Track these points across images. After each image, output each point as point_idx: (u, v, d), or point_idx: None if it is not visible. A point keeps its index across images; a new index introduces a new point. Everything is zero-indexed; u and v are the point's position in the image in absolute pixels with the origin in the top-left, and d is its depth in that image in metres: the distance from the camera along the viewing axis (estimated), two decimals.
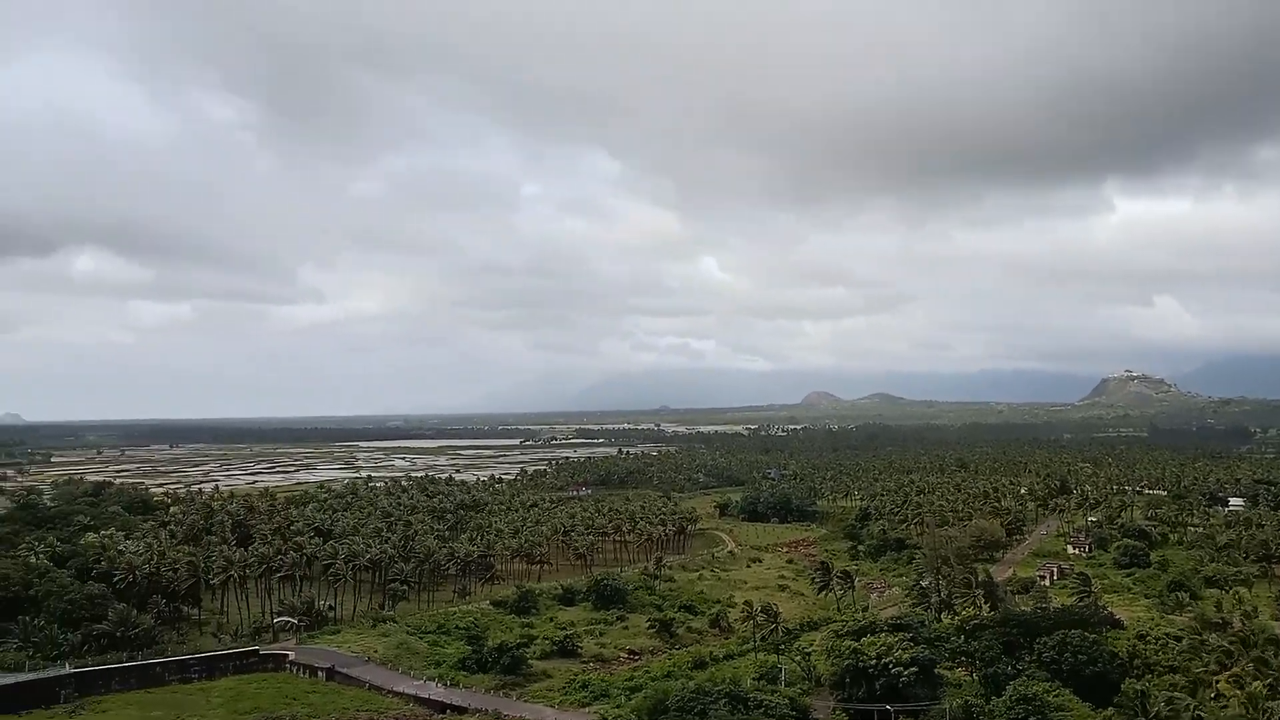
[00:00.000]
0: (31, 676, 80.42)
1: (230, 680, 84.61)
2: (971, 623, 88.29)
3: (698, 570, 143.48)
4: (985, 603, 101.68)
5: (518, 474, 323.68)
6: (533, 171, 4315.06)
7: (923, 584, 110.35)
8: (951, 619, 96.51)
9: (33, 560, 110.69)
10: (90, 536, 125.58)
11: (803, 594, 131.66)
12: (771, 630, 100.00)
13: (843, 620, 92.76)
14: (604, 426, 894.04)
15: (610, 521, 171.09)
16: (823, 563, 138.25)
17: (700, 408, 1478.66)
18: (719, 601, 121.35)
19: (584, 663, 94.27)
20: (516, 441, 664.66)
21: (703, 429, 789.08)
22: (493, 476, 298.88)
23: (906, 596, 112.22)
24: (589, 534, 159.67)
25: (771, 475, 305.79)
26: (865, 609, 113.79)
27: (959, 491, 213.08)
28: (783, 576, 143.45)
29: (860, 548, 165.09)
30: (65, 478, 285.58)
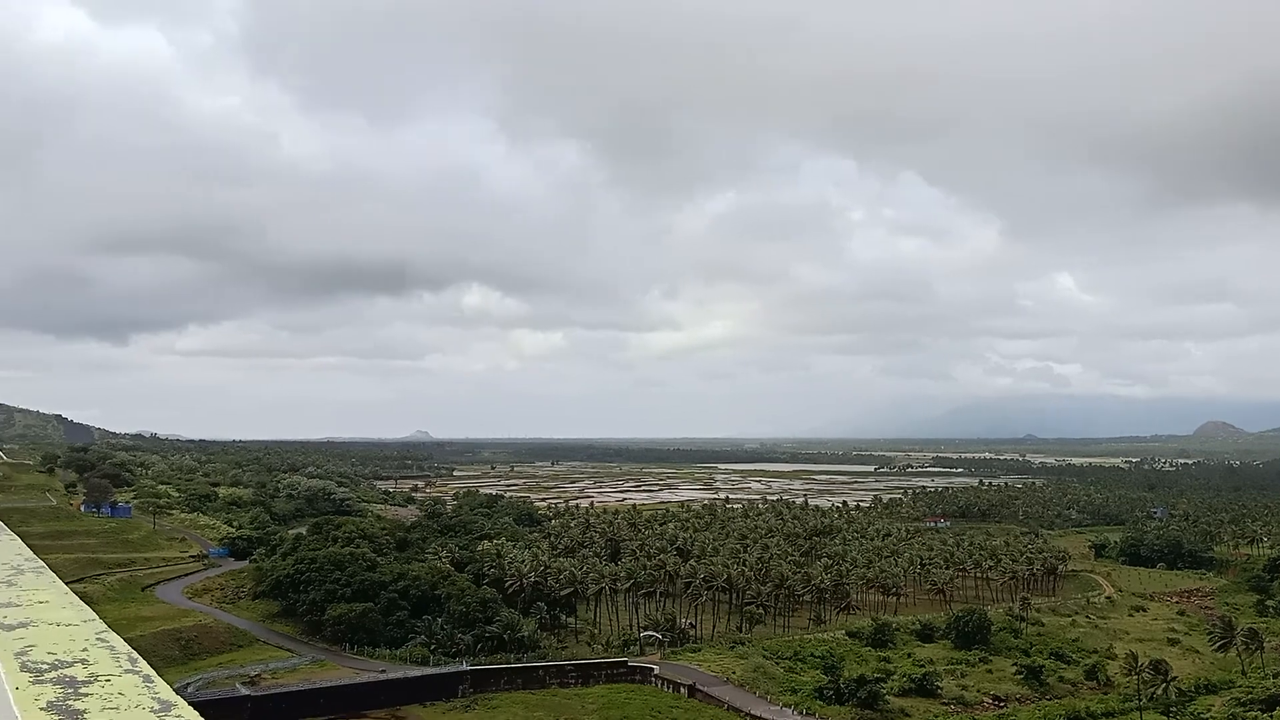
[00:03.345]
0: (436, 671, 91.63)
1: (602, 688, 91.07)
2: None
3: (1070, 615, 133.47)
4: None
5: (872, 501, 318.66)
6: (857, 197, 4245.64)
7: None
8: None
9: (438, 564, 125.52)
10: (485, 544, 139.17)
11: (1197, 651, 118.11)
12: (1161, 689, 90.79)
13: (1248, 686, 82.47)
14: (962, 455, 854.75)
15: (970, 556, 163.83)
16: (1223, 617, 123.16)
17: (1070, 437, 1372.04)
18: (1095, 651, 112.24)
19: (944, 704, 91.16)
20: (870, 468, 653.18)
21: (1073, 460, 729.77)
22: (845, 503, 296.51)
23: None
24: (947, 568, 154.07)
25: (1157, 515, 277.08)
26: (1277, 675, 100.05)
27: None
28: (1173, 630, 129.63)
29: (1270, 603, 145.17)
30: (464, 490, 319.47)
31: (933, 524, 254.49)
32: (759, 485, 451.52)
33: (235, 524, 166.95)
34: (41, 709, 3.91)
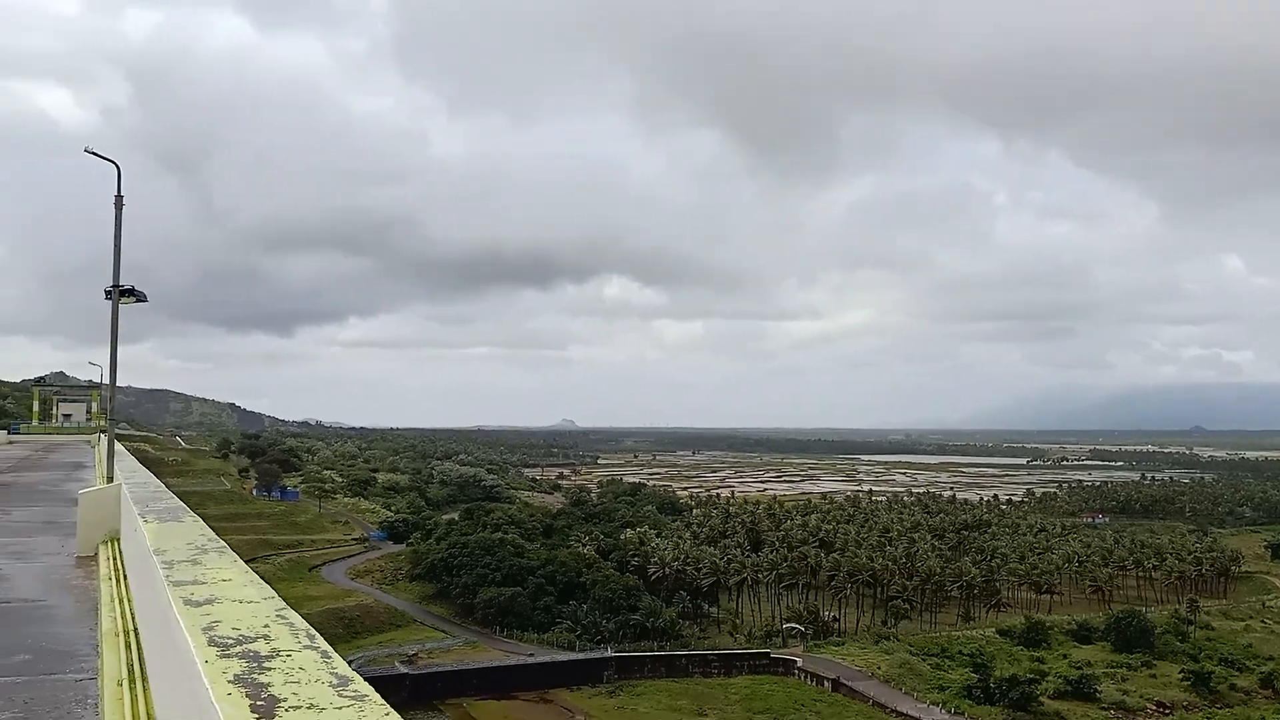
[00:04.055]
0: (581, 656, 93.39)
1: (744, 679, 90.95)
2: None
3: (1244, 620, 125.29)
4: None
5: (1024, 495, 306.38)
6: (1001, 180, 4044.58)
7: None
8: None
9: (583, 551, 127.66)
10: (628, 533, 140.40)
11: None
12: None
13: None
14: (1122, 448, 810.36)
15: (1132, 555, 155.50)
16: None
17: (1243, 429, 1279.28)
18: (1272, 658, 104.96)
19: (1103, 708, 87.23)
20: (1022, 461, 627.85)
21: (1247, 454, 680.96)
22: (996, 497, 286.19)
23: None
24: (1106, 566, 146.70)
25: None
26: None
27: None
28: None
29: None
30: (608, 478, 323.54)
31: (1090, 520, 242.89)
32: (904, 478, 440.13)
33: (393, 508, 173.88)
34: (229, 681, 4.16)
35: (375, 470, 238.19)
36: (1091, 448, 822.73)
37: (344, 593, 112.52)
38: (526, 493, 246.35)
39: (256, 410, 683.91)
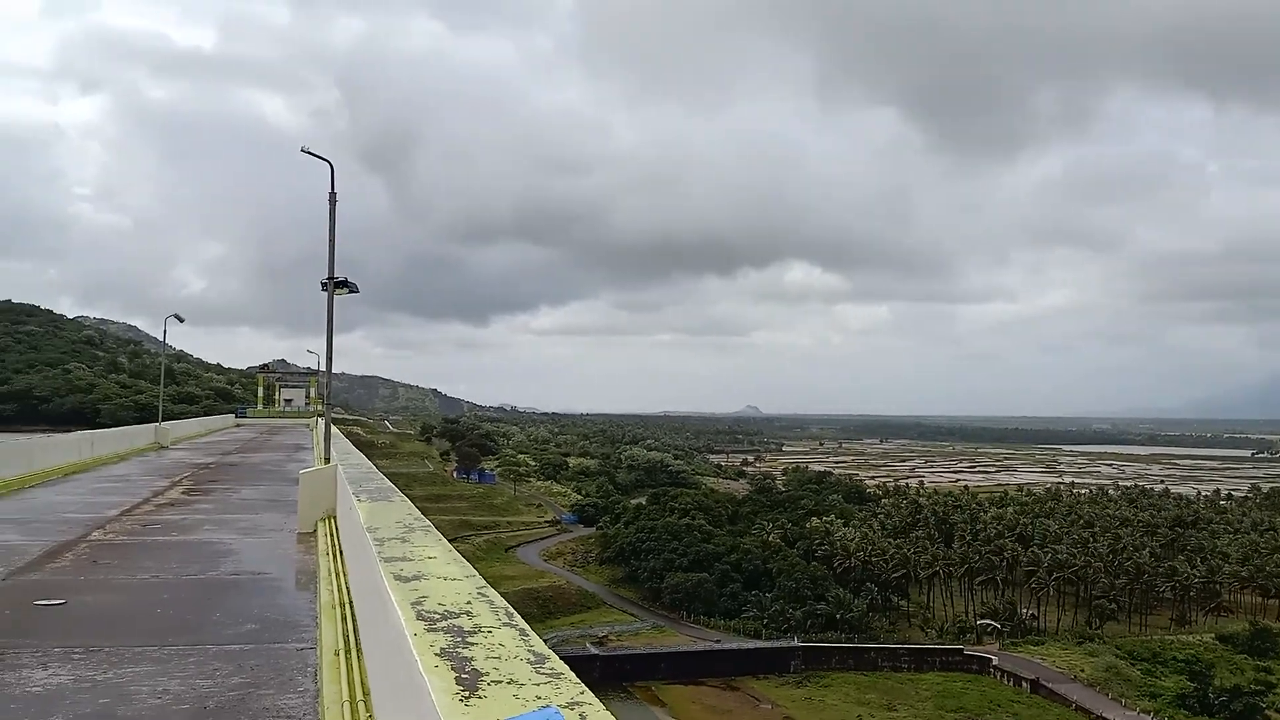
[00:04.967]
0: (768, 645, 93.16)
1: (936, 675, 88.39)
2: None
3: None
4: None
5: (1249, 490, 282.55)
6: (1210, 148, 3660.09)
7: None
8: None
9: (769, 539, 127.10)
10: (814, 521, 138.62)
11: None
12: None
13: None
14: None
15: None
16: None
17: None
18: None
19: None
20: (1246, 453, 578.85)
21: None
22: (1217, 492, 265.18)
23: None
24: None
25: None
26: None
27: None
28: None
29: None
30: (793, 466, 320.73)
31: None
32: (1109, 469, 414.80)
33: (583, 492, 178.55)
34: (436, 654, 4.42)
35: (566, 455, 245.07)
36: None
37: (537, 573, 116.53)
38: (711, 479, 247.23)
39: (455, 395, 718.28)
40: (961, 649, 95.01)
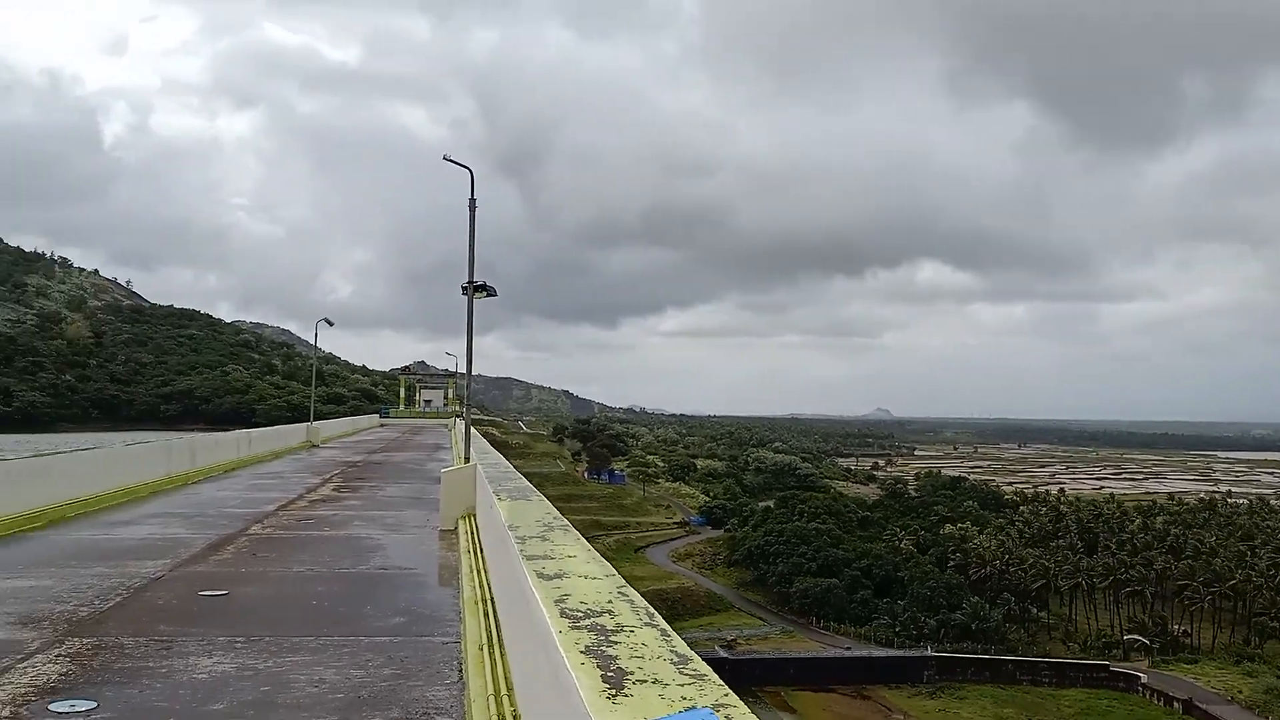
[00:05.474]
0: (901, 654, 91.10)
1: (1078, 692, 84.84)
2: None
3: None
4: None
5: None
6: None
7: None
8: None
9: (901, 545, 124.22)
10: (948, 528, 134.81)
11: None
12: None
13: None
14: None
15: None
16: None
17: None
18: None
19: None
20: None
21: None
22: None
23: None
24: None
25: None
26: None
27: None
28: None
29: None
30: (925, 470, 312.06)
31: None
32: (1270, 478, 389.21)
33: (711, 494, 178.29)
34: (581, 652, 4.51)
35: (694, 456, 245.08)
36: None
37: (666, 575, 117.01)
38: (840, 483, 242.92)
39: (586, 397, 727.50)
40: (1107, 665, 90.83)
